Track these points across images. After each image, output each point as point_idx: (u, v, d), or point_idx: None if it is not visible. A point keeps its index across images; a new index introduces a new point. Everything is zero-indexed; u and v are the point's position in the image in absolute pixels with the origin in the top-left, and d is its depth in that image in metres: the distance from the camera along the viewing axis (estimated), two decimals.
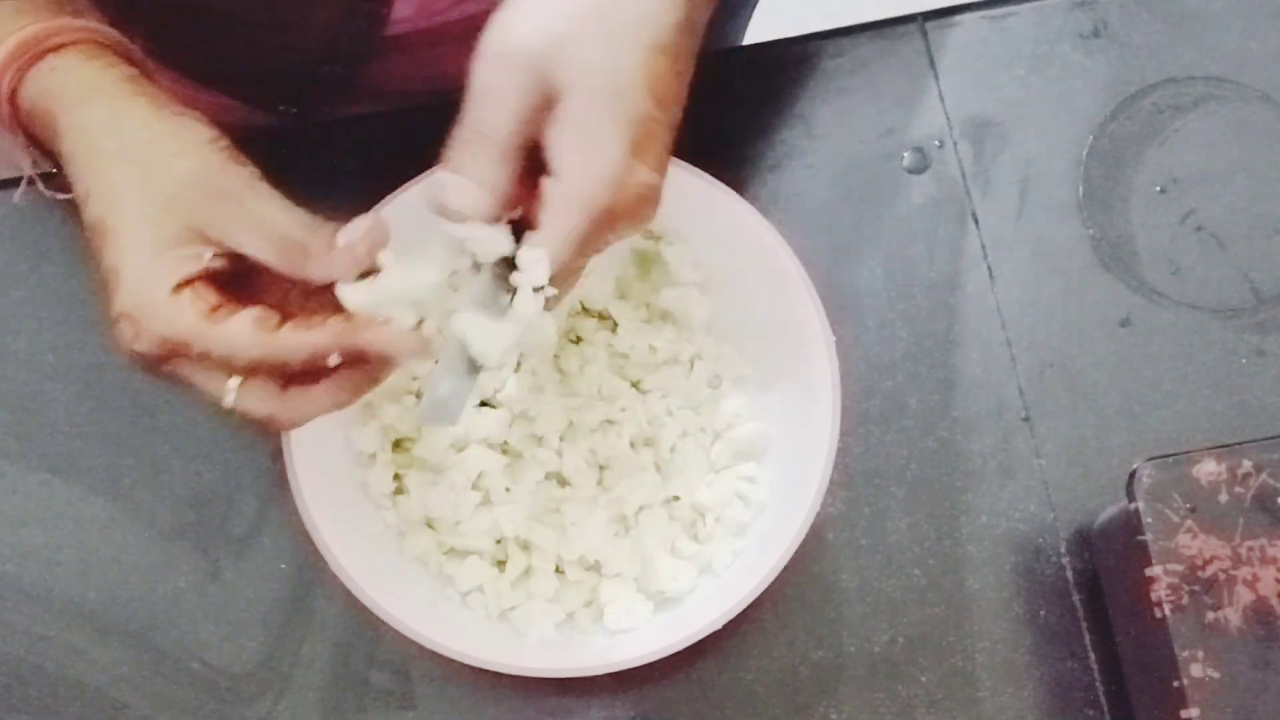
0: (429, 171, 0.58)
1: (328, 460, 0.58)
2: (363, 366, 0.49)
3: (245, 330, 0.47)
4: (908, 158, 0.68)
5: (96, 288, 0.49)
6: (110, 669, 0.61)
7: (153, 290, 0.47)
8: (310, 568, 0.62)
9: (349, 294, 0.48)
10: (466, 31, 0.67)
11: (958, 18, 0.71)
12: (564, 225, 0.47)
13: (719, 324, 0.63)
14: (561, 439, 0.61)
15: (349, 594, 0.54)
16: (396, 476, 0.61)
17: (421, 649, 0.54)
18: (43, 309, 0.66)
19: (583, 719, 0.60)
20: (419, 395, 0.61)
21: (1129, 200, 0.68)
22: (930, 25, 0.70)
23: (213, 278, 0.48)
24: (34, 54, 0.51)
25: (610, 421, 0.61)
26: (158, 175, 0.48)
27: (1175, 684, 0.53)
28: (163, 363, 0.48)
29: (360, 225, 0.48)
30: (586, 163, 0.46)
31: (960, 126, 0.69)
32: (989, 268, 0.67)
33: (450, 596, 0.59)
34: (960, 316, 0.66)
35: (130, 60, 0.53)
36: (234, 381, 0.48)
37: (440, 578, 0.60)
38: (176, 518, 0.63)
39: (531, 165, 0.48)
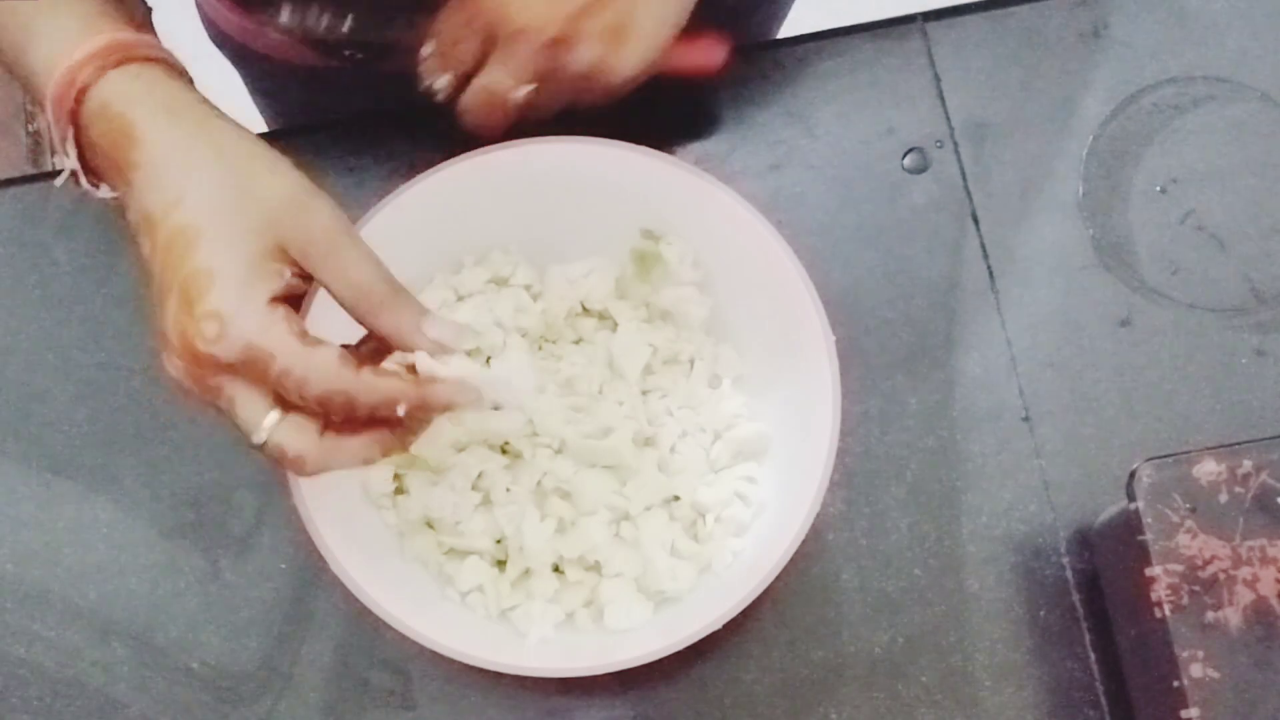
0: (429, 171, 0.58)
1: None
2: (400, 428, 0.52)
3: (332, 360, 0.48)
4: (908, 158, 0.68)
5: (153, 295, 0.49)
6: (110, 669, 0.61)
7: (252, 296, 0.48)
8: (310, 568, 0.62)
9: (429, 363, 0.51)
10: None
11: (958, 18, 0.71)
12: (504, 59, 0.56)
13: (719, 324, 0.63)
14: (561, 439, 0.61)
15: (349, 594, 0.54)
16: (396, 477, 0.61)
17: (421, 649, 0.54)
18: (43, 309, 0.66)
19: (583, 719, 0.60)
20: None
21: (1129, 200, 0.68)
22: (930, 25, 0.70)
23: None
24: (120, 58, 0.51)
25: (610, 421, 0.61)
26: (255, 190, 0.49)
27: (1175, 684, 0.53)
28: (223, 373, 0.49)
29: (450, 328, 0.51)
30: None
31: (960, 126, 0.69)
32: (989, 268, 0.67)
33: (450, 596, 0.59)
34: (960, 316, 0.66)
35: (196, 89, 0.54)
36: (274, 416, 0.49)
37: (440, 578, 0.60)
38: (176, 518, 0.63)
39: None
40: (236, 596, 0.62)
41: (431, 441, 0.60)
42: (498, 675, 0.60)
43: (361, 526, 0.59)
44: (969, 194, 0.68)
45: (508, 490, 0.60)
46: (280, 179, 0.50)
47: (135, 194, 0.50)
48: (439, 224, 0.60)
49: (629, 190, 0.60)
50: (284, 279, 0.49)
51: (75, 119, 0.51)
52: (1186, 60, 0.70)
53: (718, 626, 0.54)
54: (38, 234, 0.67)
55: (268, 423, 0.49)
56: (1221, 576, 0.54)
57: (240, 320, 0.48)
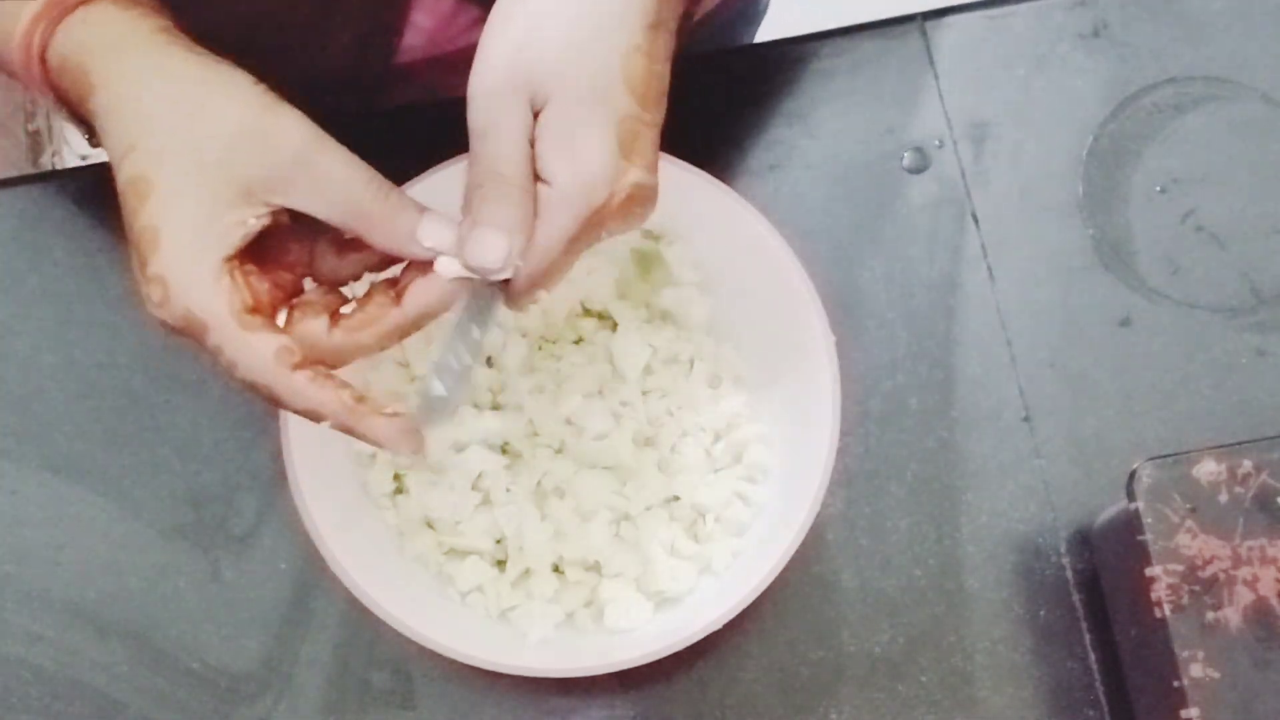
0: (429, 171, 0.58)
1: (327, 460, 0.58)
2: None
3: (266, 353, 0.46)
4: (908, 158, 0.68)
5: (131, 245, 0.47)
6: (110, 669, 0.61)
7: (196, 264, 0.45)
8: (310, 568, 0.62)
9: (449, 265, 0.47)
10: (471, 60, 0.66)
11: (958, 18, 0.71)
12: (553, 229, 0.47)
13: (719, 324, 0.63)
14: (561, 439, 0.61)
15: (349, 594, 0.54)
16: (396, 477, 0.61)
17: (421, 649, 0.54)
18: (43, 309, 0.66)
19: (583, 719, 0.60)
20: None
21: (1129, 200, 0.68)
22: (930, 25, 0.70)
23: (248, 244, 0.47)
24: (64, 7, 0.49)
25: (610, 422, 0.61)
26: (208, 126, 0.46)
27: (1175, 684, 0.53)
28: (179, 335, 0.47)
29: (446, 233, 0.47)
30: (574, 167, 0.46)
31: (960, 126, 0.69)
32: (989, 268, 0.67)
33: (450, 596, 0.59)
34: (960, 316, 0.66)
35: (160, 11, 0.51)
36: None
37: (440, 578, 0.60)
38: (176, 518, 0.63)
39: None
40: (236, 596, 0.62)
41: (430, 441, 0.60)
42: (498, 675, 0.60)
43: (361, 526, 0.59)
44: (969, 194, 0.68)
45: (508, 490, 0.60)
46: (235, 105, 0.46)
47: (104, 138, 0.48)
48: None
49: None
50: (246, 228, 0.46)
51: (49, 82, 0.49)
52: (1186, 60, 0.70)
53: (718, 626, 0.54)
54: (38, 234, 0.67)
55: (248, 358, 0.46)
56: (1221, 576, 0.54)
57: (182, 288, 0.45)
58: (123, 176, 0.47)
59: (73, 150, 1.55)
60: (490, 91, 0.46)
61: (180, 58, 0.48)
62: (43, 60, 0.49)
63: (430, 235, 0.47)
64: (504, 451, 0.61)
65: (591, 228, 0.47)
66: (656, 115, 0.48)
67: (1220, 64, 0.69)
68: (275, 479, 0.62)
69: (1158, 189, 0.68)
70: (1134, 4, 0.71)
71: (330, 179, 0.46)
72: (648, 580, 0.59)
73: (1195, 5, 0.70)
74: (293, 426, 0.56)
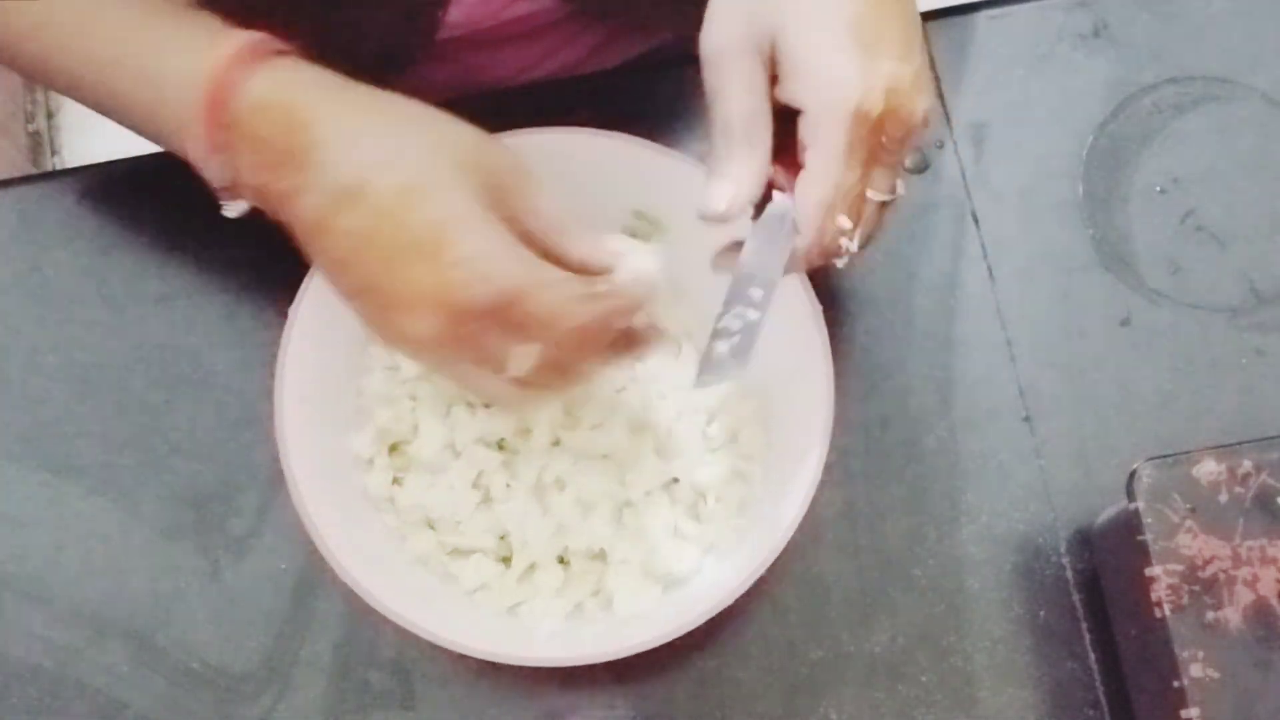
0: None
1: (326, 464, 0.58)
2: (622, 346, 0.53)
3: (582, 290, 0.48)
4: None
5: (366, 266, 0.48)
6: (110, 669, 0.61)
7: (497, 236, 0.47)
8: (310, 568, 0.62)
9: (643, 260, 0.52)
10: (513, 35, 0.67)
11: (958, 18, 0.71)
12: (820, 150, 0.47)
13: (707, 307, 0.63)
14: (557, 433, 0.61)
15: (349, 594, 0.54)
16: (395, 480, 0.61)
17: (421, 649, 0.54)
18: (43, 309, 0.66)
19: (584, 719, 0.60)
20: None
21: (1129, 200, 0.68)
22: (930, 25, 0.70)
23: None
24: (262, 53, 0.50)
25: (605, 410, 0.61)
26: (448, 140, 0.49)
27: (1175, 684, 0.53)
28: (481, 319, 0.48)
29: (609, 245, 0.51)
30: (814, 81, 0.46)
31: (960, 126, 0.69)
32: (989, 268, 0.67)
33: (455, 594, 0.59)
34: (960, 316, 0.66)
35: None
36: (534, 347, 0.48)
37: (445, 577, 0.60)
38: (176, 518, 0.63)
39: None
40: (236, 596, 0.62)
41: (426, 443, 0.60)
42: (498, 675, 0.60)
43: (362, 527, 0.59)
44: (969, 194, 0.68)
45: (507, 486, 0.60)
46: (459, 126, 0.50)
47: (319, 174, 0.48)
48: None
49: (624, 180, 0.61)
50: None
51: (225, 122, 0.50)
52: (1186, 60, 0.70)
53: (728, 603, 0.54)
54: (38, 234, 0.67)
55: (527, 354, 0.48)
56: (1221, 576, 0.54)
57: (494, 262, 0.47)
58: (383, 186, 0.48)
59: (73, 150, 1.55)
60: (718, 51, 0.48)
61: (384, 95, 0.51)
62: (223, 105, 0.50)
63: (611, 244, 0.51)
64: (500, 448, 0.61)
65: (865, 134, 0.47)
66: (901, 4, 0.48)
67: (1220, 64, 0.70)
68: (275, 479, 0.62)
69: (1158, 189, 0.68)
70: (1134, 4, 0.71)
71: (540, 193, 0.50)
72: (654, 564, 0.59)
73: (1195, 5, 0.70)
74: (289, 431, 0.56)
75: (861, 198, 0.49)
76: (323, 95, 0.50)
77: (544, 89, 0.72)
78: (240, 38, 0.51)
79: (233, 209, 0.52)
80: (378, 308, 0.49)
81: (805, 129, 0.48)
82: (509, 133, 0.59)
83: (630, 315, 0.50)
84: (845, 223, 0.49)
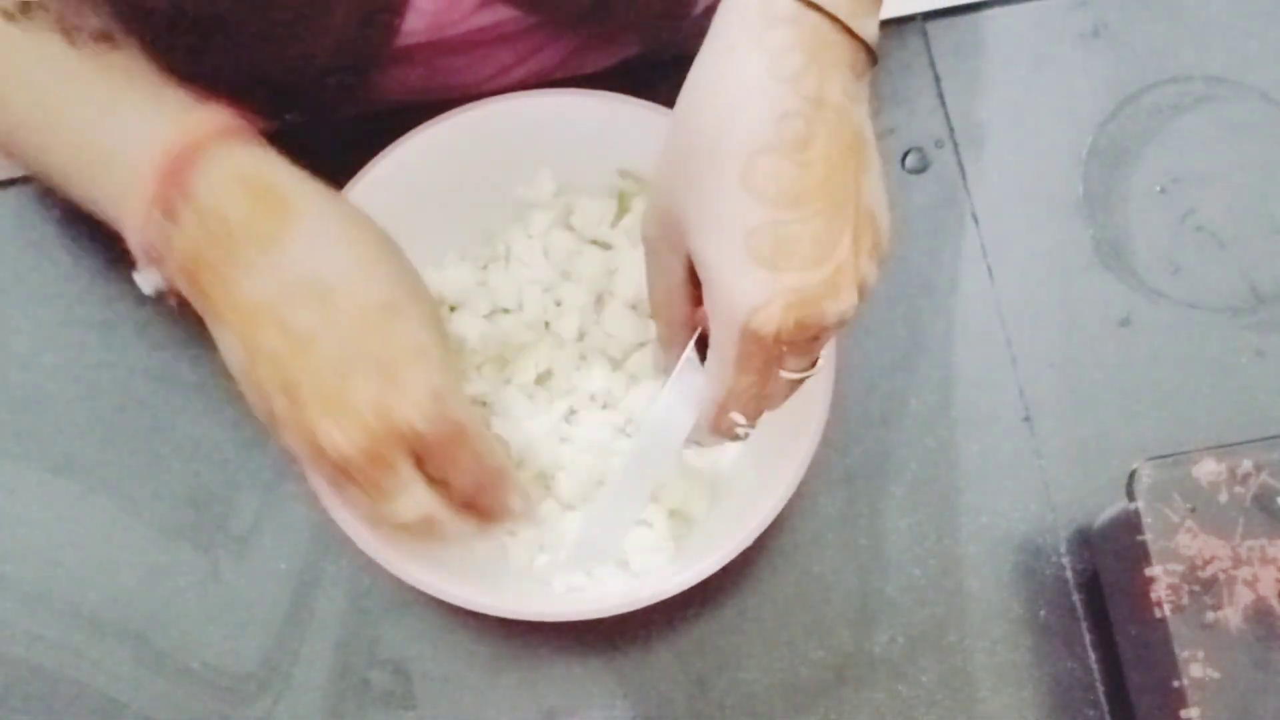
0: (396, 143, 0.59)
1: None
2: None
3: (503, 446, 0.54)
4: (908, 158, 0.68)
5: (315, 363, 0.48)
6: (110, 669, 0.61)
7: (455, 376, 0.50)
8: (310, 568, 0.62)
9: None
10: (475, 43, 0.66)
11: (958, 18, 0.70)
12: (718, 354, 0.47)
13: None
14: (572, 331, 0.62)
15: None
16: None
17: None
18: (43, 309, 0.66)
19: (584, 719, 0.60)
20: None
21: (1129, 200, 0.68)
22: (930, 25, 0.70)
23: None
24: (238, 130, 0.50)
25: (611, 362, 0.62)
26: (412, 270, 0.52)
27: (1175, 684, 0.53)
28: (401, 446, 0.49)
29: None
30: (711, 288, 0.46)
31: (960, 126, 0.69)
32: (989, 268, 0.67)
33: (470, 557, 0.59)
34: (960, 316, 0.66)
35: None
36: (425, 489, 0.50)
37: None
38: (176, 518, 0.63)
39: None
40: (236, 596, 0.62)
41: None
42: (497, 675, 0.60)
43: None
44: (969, 194, 0.68)
45: (508, 383, 0.61)
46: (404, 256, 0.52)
47: (283, 260, 0.48)
48: (434, 178, 0.61)
49: (609, 139, 0.61)
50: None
51: (180, 188, 0.49)
52: (1186, 60, 0.70)
53: (744, 547, 0.54)
54: (38, 234, 0.67)
55: (423, 495, 0.50)
56: (1221, 576, 0.54)
57: (450, 394, 0.49)
58: (363, 296, 0.48)
59: None
60: (644, 239, 0.50)
61: (352, 205, 0.53)
62: (176, 194, 0.48)
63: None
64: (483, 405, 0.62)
65: (755, 351, 0.46)
66: (811, 207, 0.44)
67: (1220, 64, 0.70)
68: (275, 479, 0.62)
69: (1158, 189, 0.68)
70: (1134, 4, 0.71)
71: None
72: (665, 500, 0.60)
73: (1195, 5, 0.70)
74: None
75: (761, 395, 0.49)
76: (301, 185, 0.50)
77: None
78: (217, 113, 0.51)
79: (146, 282, 0.52)
80: (299, 406, 0.48)
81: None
82: (494, 98, 0.59)
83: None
84: (738, 418, 0.49)
